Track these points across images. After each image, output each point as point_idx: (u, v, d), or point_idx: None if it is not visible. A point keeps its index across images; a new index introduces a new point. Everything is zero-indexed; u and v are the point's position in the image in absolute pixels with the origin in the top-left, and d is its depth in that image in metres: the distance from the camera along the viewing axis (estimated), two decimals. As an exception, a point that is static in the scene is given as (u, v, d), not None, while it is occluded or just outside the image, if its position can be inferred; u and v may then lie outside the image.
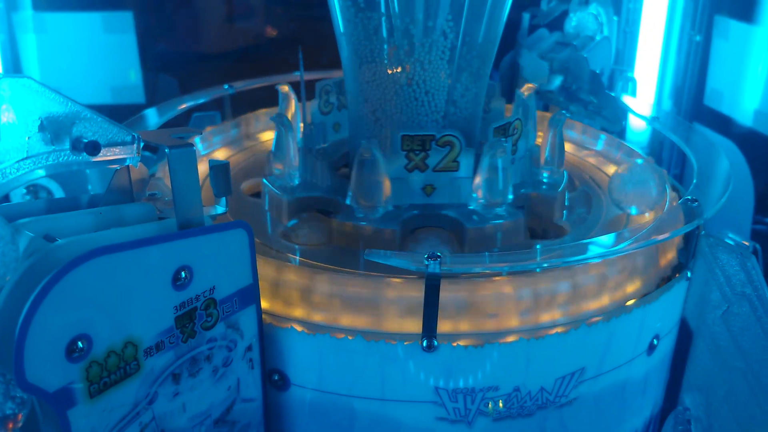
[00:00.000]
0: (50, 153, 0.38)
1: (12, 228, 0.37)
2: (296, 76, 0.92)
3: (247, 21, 1.45)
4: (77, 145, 0.38)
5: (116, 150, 0.41)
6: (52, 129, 0.37)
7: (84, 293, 0.38)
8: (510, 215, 0.61)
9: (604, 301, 0.55)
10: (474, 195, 0.62)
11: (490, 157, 0.60)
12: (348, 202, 0.61)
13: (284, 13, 1.44)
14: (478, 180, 0.61)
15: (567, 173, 0.70)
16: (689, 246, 0.60)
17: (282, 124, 0.65)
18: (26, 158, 0.37)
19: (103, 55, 1.27)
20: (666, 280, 0.59)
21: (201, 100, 0.88)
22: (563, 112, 0.71)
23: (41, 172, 0.39)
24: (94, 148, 0.39)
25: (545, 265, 0.51)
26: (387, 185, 0.60)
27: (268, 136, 0.88)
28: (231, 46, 1.42)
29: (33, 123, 0.37)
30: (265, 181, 0.67)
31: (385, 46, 0.64)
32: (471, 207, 0.62)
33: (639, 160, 0.65)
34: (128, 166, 0.48)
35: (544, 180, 0.68)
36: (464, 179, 0.62)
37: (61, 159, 0.38)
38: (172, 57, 1.37)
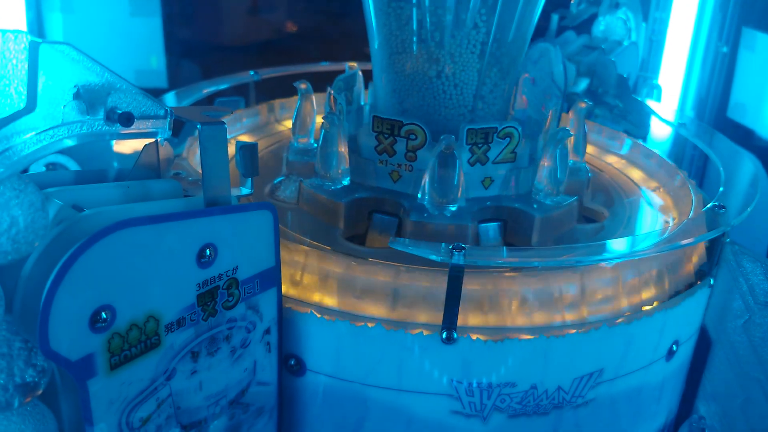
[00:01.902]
0: (84, 122, 0.38)
1: (43, 195, 0.37)
2: (322, 66, 0.92)
3: (271, 13, 1.45)
4: (111, 116, 0.38)
5: (148, 123, 0.41)
6: (88, 98, 0.37)
7: (110, 264, 0.38)
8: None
9: (626, 303, 0.54)
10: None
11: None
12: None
13: (308, 7, 1.44)
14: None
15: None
16: (714, 253, 0.59)
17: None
18: (61, 126, 0.37)
19: (129, 38, 1.28)
20: (689, 285, 0.58)
21: (224, 86, 0.88)
22: (586, 100, 0.71)
23: (71, 141, 0.39)
24: (127, 119, 0.39)
25: (581, 262, 0.51)
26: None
27: (290, 124, 0.88)
28: (254, 37, 1.42)
29: (69, 91, 0.37)
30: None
31: (415, 38, 0.64)
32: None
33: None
34: (157, 142, 0.49)
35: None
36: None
37: (94, 129, 0.38)
38: (196, 45, 1.37)
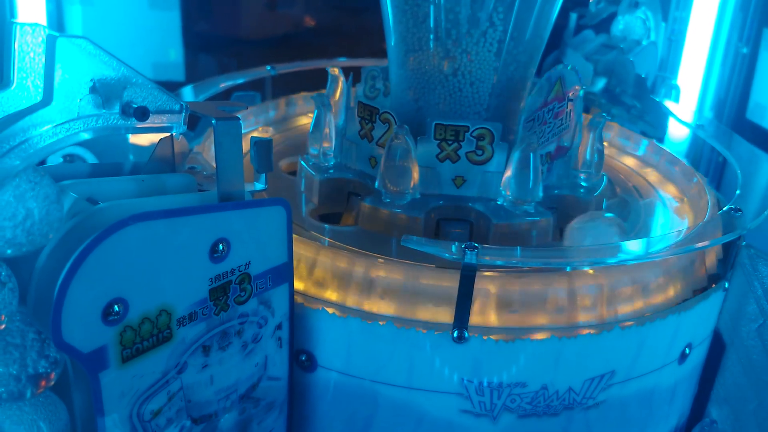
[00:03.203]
0: (100, 116, 0.38)
1: (58, 188, 0.38)
2: (340, 61, 0.92)
3: (289, 8, 1.45)
4: (127, 110, 0.38)
5: (164, 118, 0.41)
6: (104, 92, 0.37)
7: (123, 257, 0.38)
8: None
9: (640, 305, 0.54)
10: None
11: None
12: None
13: (325, 2, 1.44)
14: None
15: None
16: (729, 256, 0.59)
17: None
18: (77, 119, 0.37)
19: (147, 31, 1.28)
20: (703, 289, 0.58)
21: (240, 80, 0.89)
22: (603, 114, 0.70)
23: (86, 135, 0.39)
24: (143, 113, 0.39)
25: (585, 265, 0.51)
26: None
27: (307, 120, 0.88)
28: (271, 32, 1.42)
29: (85, 85, 0.37)
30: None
31: (432, 36, 0.63)
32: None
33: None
34: (172, 136, 0.49)
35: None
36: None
37: (109, 122, 0.38)
38: (213, 38, 1.37)
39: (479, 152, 0.61)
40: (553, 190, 0.65)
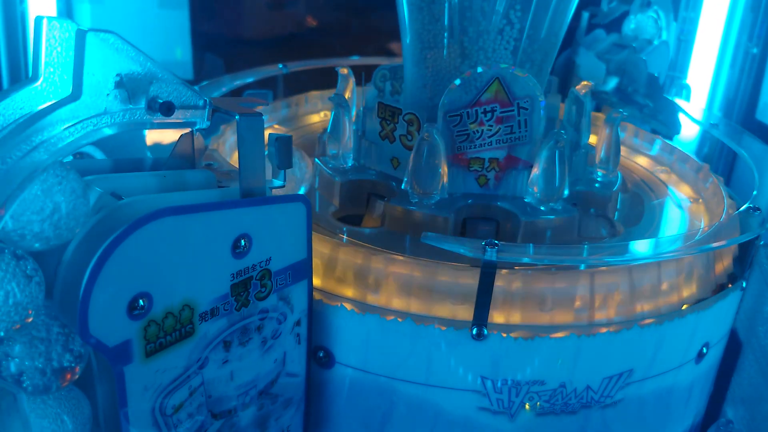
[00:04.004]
0: (126, 111, 0.38)
1: (84, 183, 0.38)
2: (352, 60, 0.92)
3: (295, 7, 1.45)
4: (153, 105, 0.38)
5: (188, 113, 0.41)
6: (131, 87, 0.38)
7: (148, 252, 0.38)
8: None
9: (658, 303, 0.54)
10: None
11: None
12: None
13: (331, 1, 1.44)
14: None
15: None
16: (746, 256, 0.59)
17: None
18: (104, 114, 0.37)
19: (156, 30, 1.28)
20: (721, 288, 0.58)
21: (250, 79, 0.88)
22: (620, 110, 0.70)
23: (110, 130, 0.39)
24: (168, 108, 0.39)
25: (608, 262, 0.51)
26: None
27: (317, 118, 0.88)
28: (278, 31, 1.43)
29: (112, 80, 0.37)
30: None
31: (447, 34, 0.63)
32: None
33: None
34: (192, 132, 0.49)
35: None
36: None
37: (135, 118, 0.39)
38: (220, 37, 1.38)
39: None
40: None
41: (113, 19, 1.25)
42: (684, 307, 0.55)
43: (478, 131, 0.61)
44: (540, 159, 0.59)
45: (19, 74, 1.09)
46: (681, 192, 0.73)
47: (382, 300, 0.52)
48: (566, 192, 0.60)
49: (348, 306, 0.51)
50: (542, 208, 0.60)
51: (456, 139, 0.61)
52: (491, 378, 0.51)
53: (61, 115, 0.36)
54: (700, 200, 0.70)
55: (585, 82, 0.80)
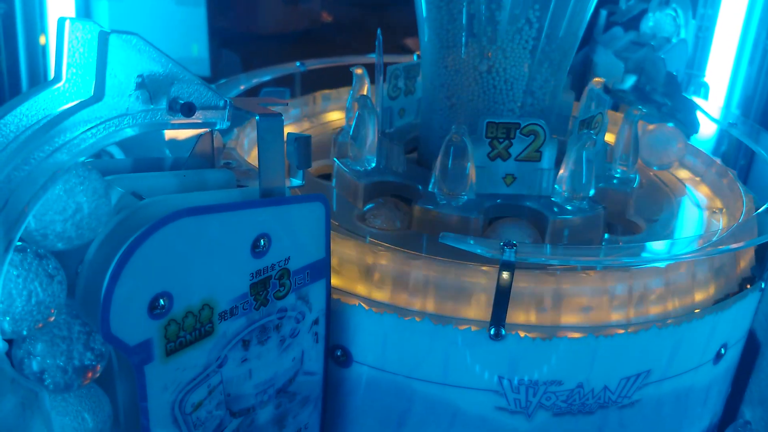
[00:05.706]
0: (147, 111, 0.38)
1: (106, 182, 0.38)
2: (369, 58, 0.92)
3: (310, 3, 1.45)
4: (174, 106, 0.39)
5: (208, 113, 0.41)
6: (152, 88, 0.38)
7: (169, 252, 0.38)
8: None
9: (676, 304, 0.54)
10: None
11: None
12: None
13: (347, -2, 1.45)
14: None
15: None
16: (765, 256, 0.58)
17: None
18: (126, 115, 0.37)
19: (173, 26, 1.29)
20: (739, 289, 0.58)
21: (267, 77, 0.88)
22: (639, 107, 0.69)
23: (132, 131, 0.39)
24: (189, 109, 0.39)
25: (632, 264, 0.50)
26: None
27: (331, 117, 0.88)
28: (294, 27, 1.43)
29: (134, 81, 0.38)
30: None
31: (465, 32, 0.63)
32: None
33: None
34: (212, 132, 0.49)
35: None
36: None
37: (156, 118, 0.39)
38: (236, 33, 1.38)
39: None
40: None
41: (131, 16, 1.25)
42: (702, 308, 0.54)
43: None
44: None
45: (38, 76, 1.10)
46: (699, 191, 0.72)
47: (400, 300, 0.52)
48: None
49: (366, 305, 0.51)
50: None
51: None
52: (508, 378, 0.51)
53: (84, 116, 0.36)
54: (719, 200, 0.70)
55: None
